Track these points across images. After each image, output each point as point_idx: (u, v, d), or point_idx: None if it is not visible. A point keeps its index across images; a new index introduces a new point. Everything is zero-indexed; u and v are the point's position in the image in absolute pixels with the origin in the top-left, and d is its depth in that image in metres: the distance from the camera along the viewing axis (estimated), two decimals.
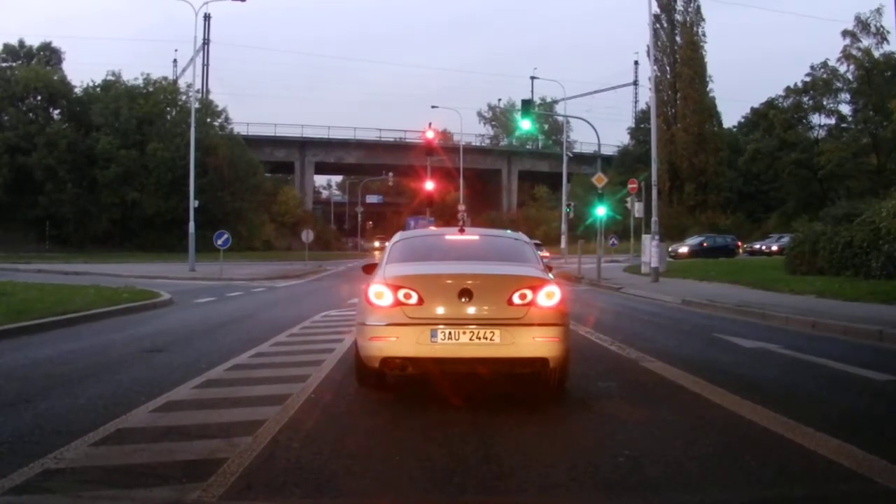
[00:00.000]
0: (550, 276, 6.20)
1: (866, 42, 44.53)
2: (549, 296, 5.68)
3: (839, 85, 47.49)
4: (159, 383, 6.44)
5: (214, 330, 11.00)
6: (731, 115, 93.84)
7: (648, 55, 40.76)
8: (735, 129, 62.15)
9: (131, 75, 51.41)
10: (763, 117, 52.64)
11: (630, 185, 29.89)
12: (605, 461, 4.39)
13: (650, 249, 23.33)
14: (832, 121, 50.18)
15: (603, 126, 62.93)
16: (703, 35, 58.85)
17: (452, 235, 7.20)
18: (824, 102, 48.77)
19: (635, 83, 70.32)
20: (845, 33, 44.34)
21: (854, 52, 44.61)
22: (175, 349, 8.79)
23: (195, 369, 7.14)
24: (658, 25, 55.93)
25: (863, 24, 43.52)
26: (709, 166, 56.66)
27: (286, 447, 4.57)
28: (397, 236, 7.18)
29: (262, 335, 9.76)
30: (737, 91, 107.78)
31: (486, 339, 5.48)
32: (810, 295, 15.70)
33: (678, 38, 58.50)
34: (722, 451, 4.65)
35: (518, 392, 6.17)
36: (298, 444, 4.62)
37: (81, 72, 79.06)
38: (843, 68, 46.34)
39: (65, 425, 5.04)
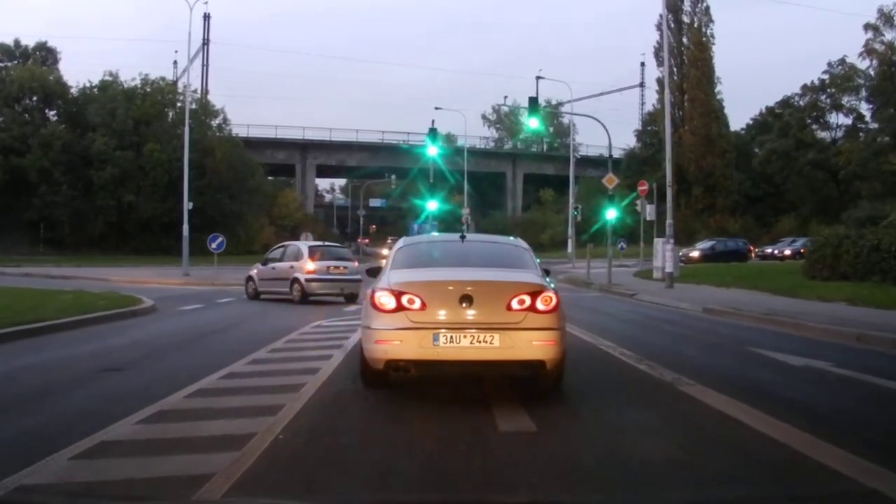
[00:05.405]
0: (548, 280, 6.45)
1: (889, 36, 42.98)
2: (546, 301, 5.88)
3: (860, 81, 45.90)
4: (97, 415, 5.29)
5: (191, 343, 9.99)
6: (739, 117, 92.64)
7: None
8: (743, 132, 60.99)
9: (130, 76, 50.28)
10: (777, 117, 51.27)
11: (640, 188, 28.87)
12: None
13: (664, 253, 22.20)
14: (849, 120, 48.79)
15: (608, 129, 61.90)
16: (712, 36, 57.56)
17: (454, 242, 7.44)
18: (843, 100, 47.30)
19: (641, 85, 69.32)
20: (867, 27, 42.68)
21: (877, 46, 43.10)
22: (137, 368, 7.69)
23: (148, 395, 5.98)
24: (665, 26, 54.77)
25: (886, 17, 42.00)
26: (716, 169, 55.32)
27: None
28: (401, 242, 7.53)
29: (242, 349, 8.67)
30: (744, 94, 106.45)
31: (486, 342, 5.71)
32: (840, 302, 14.71)
33: (685, 40, 57.25)
34: None
35: (523, 400, 5.96)
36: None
37: (80, 73, 78.60)
38: (864, 64, 44.76)
39: None
